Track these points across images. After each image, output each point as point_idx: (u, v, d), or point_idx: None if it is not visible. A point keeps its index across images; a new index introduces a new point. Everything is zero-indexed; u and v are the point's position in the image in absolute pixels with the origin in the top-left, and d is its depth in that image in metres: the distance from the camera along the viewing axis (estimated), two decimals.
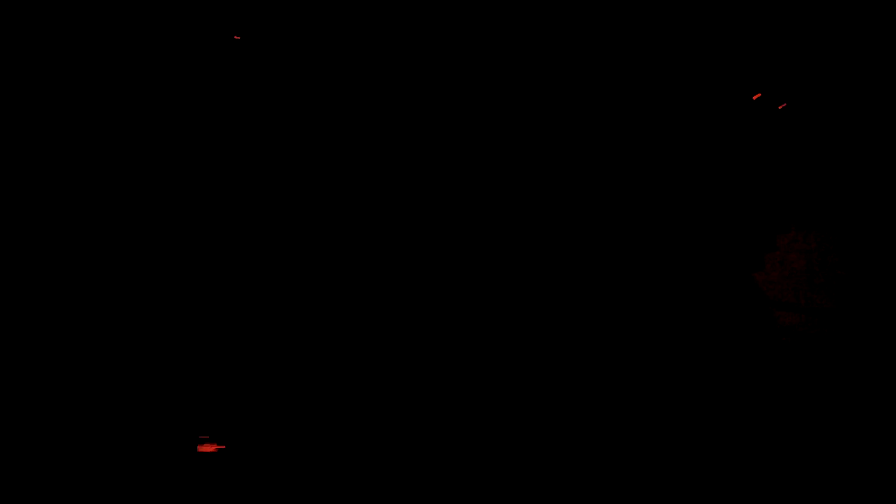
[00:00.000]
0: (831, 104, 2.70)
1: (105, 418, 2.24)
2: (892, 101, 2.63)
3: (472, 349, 2.50)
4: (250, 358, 2.38)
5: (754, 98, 2.69)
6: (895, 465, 2.33)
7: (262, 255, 2.43)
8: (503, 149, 2.61)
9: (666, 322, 2.58)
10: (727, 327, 2.59)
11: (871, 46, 2.62)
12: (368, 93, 2.53)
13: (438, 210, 2.55)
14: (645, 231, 2.65)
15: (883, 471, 2.34)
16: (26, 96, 2.32)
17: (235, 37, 2.38)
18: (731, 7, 2.62)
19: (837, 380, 2.52)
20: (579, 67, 2.63)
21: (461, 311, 2.52)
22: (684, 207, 2.68)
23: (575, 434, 2.45)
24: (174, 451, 2.25)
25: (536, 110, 2.62)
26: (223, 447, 2.27)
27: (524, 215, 2.60)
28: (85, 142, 2.35)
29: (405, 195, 2.54)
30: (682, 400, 2.50)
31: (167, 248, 2.38)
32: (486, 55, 2.58)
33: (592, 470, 2.39)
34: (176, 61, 2.41)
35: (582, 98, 2.64)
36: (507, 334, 2.53)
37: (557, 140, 2.64)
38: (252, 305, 2.40)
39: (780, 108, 2.66)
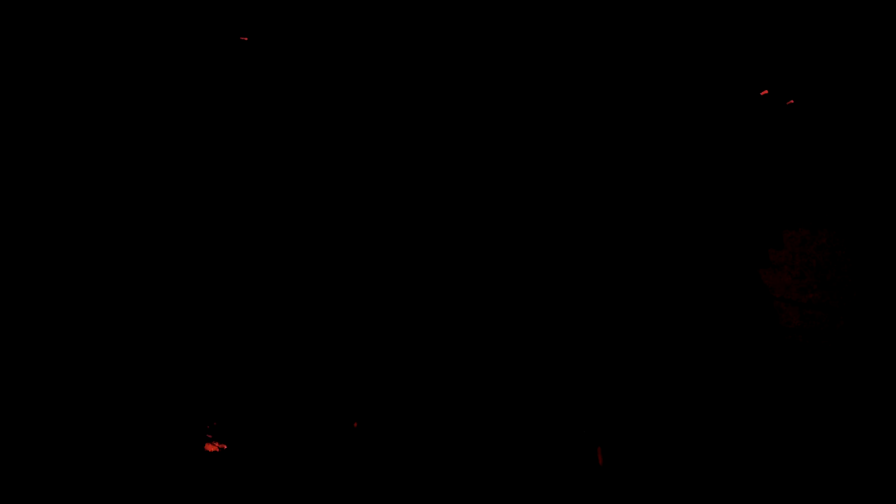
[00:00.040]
0: (839, 101, 2.67)
1: (105, 418, 2.24)
2: None
3: (472, 349, 2.49)
4: (250, 358, 2.37)
5: (762, 94, 2.67)
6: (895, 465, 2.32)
7: (263, 254, 2.42)
8: (506, 148, 2.59)
9: (672, 319, 2.57)
10: (733, 325, 2.57)
11: (882, 44, 2.59)
12: (373, 94, 2.51)
13: (438, 210, 2.53)
14: (652, 228, 2.63)
15: (887, 470, 2.33)
16: (32, 95, 2.30)
17: (242, 38, 2.36)
18: (742, 2, 2.59)
19: (845, 378, 2.51)
20: (588, 62, 2.60)
21: (460, 311, 2.51)
22: (692, 204, 2.66)
23: (575, 432, 2.44)
24: (175, 450, 2.24)
25: (547, 104, 2.60)
26: (224, 447, 2.26)
27: (533, 206, 2.58)
28: (90, 141, 2.33)
29: (406, 195, 2.52)
30: (688, 397, 2.49)
31: (168, 248, 2.36)
32: (487, 55, 2.55)
33: (592, 469, 2.39)
34: (184, 62, 2.38)
35: (590, 94, 2.62)
36: (511, 326, 2.52)
37: (567, 134, 2.62)
38: (252, 305, 2.39)
39: (788, 103, 2.63)
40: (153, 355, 2.30)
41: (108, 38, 2.35)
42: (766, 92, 2.67)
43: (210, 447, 2.26)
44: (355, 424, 2.34)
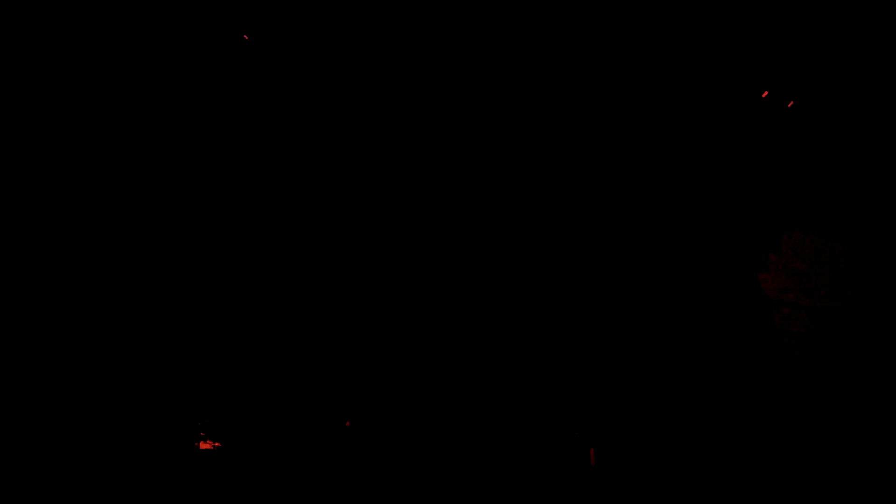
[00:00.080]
0: (835, 106, 2.64)
1: (99, 417, 2.26)
2: (894, 103, 2.57)
3: (472, 348, 2.49)
4: (243, 357, 2.38)
5: (762, 96, 2.64)
6: (895, 465, 2.30)
7: (262, 254, 2.43)
8: (508, 148, 2.58)
9: (669, 322, 2.56)
10: (730, 328, 2.56)
11: (879, 49, 2.55)
12: (373, 93, 2.51)
13: (438, 209, 2.53)
14: (649, 231, 2.62)
15: (883, 470, 2.31)
16: (32, 95, 2.31)
17: (244, 36, 2.36)
18: (739, 5, 2.56)
19: (839, 380, 2.49)
20: (585, 66, 2.59)
21: (460, 311, 2.51)
22: (688, 208, 2.64)
23: (574, 433, 2.44)
24: (172, 449, 2.26)
25: (543, 106, 2.59)
26: (218, 445, 2.28)
27: (528, 211, 2.57)
28: (92, 141, 2.35)
29: (405, 195, 2.52)
30: (684, 400, 2.48)
31: (167, 248, 2.38)
32: (487, 55, 2.54)
33: (592, 468, 2.39)
34: (185, 61, 2.39)
35: (585, 97, 2.60)
36: (510, 330, 2.52)
37: (560, 139, 2.61)
38: (244, 306, 2.40)
39: (788, 105, 2.61)
40: (147, 354, 2.32)
41: (108, 37, 2.36)
42: (765, 94, 2.65)
43: (204, 445, 2.28)
44: (347, 424, 2.35)
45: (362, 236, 2.48)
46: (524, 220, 2.57)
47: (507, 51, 2.56)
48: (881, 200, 2.63)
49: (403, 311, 2.48)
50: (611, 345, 2.54)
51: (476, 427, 2.42)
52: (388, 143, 2.53)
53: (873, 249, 2.61)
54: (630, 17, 2.56)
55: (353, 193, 2.50)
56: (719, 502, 2.34)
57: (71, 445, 2.22)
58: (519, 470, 2.37)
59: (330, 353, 2.42)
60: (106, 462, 2.22)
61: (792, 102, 2.66)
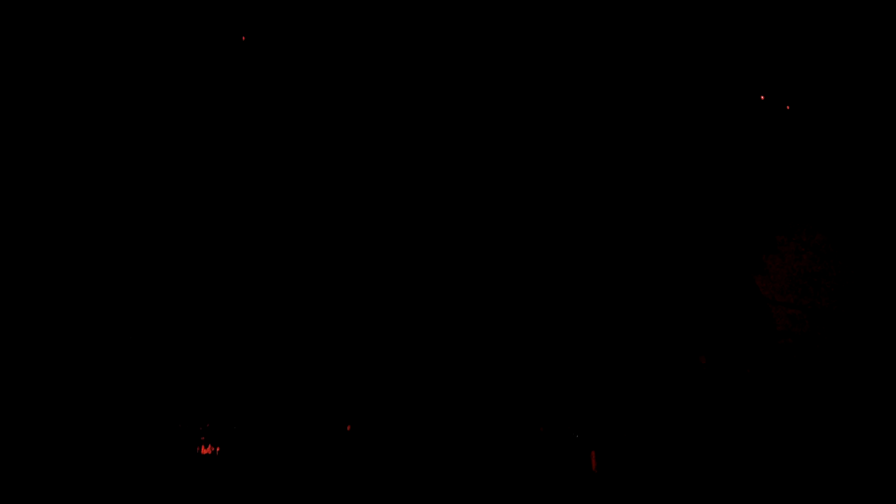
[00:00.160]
0: (832, 107, 2.66)
1: (99, 419, 2.25)
2: (892, 104, 2.59)
3: (466, 353, 2.49)
4: (244, 361, 2.37)
5: (761, 99, 2.66)
6: (894, 465, 2.29)
7: (261, 255, 2.43)
8: (505, 148, 2.60)
9: (666, 322, 2.56)
10: (727, 328, 2.56)
11: (876, 51, 2.58)
12: (371, 93, 2.53)
13: (437, 209, 2.54)
14: (646, 232, 2.62)
15: (882, 470, 2.30)
16: (32, 95, 2.33)
17: (242, 37, 2.38)
18: (737, 8, 2.59)
19: (836, 380, 2.48)
20: (584, 67, 2.61)
21: (459, 311, 2.51)
22: (685, 208, 2.65)
23: (572, 432, 2.43)
24: (171, 452, 2.25)
25: (546, 107, 2.61)
26: (217, 448, 2.26)
27: (520, 217, 2.58)
28: (92, 141, 2.36)
29: (404, 195, 2.53)
30: (682, 399, 2.47)
31: (162, 248, 2.38)
32: (488, 55, 2.56)
33: (591, 468, 2.37)
34: (184, 61, 2.41)
35: (583, 98, 2.62)
36: (505, 333, 2.52)
37: (557, 140, 2.62)
38: (244, 308, 2.40)
39: (787, 108, 2.63)
40: (147, 356, 2.31)
41: (108, 37, 2.38)
42: (763, 98, 2.67)
43: (204, 450, 2.27)
44: (349, 428, 2.34)
45: (362, 236, 2.49)
46: (524, 220, 2.58)
47: (508, 51, 2.58)
48: (881, 201, 2.64)
49: (404, 311, 2.48)
50: (611, 347, 2.54)
51: (477, 431, 2.41)
52: (388, 143, 2.54)
53: (873, 250, 2.62)
54: (630, 18, 2.59)
55: (353, 193, 2.51)
56: (719, 502, 2.32)
57: (72, 447, 2.20)
58: (520, 474, 2.36)
59: (330, 355, 2.42)
60: (107, 464, 2.20)
61: (789, 107, 2.68)
